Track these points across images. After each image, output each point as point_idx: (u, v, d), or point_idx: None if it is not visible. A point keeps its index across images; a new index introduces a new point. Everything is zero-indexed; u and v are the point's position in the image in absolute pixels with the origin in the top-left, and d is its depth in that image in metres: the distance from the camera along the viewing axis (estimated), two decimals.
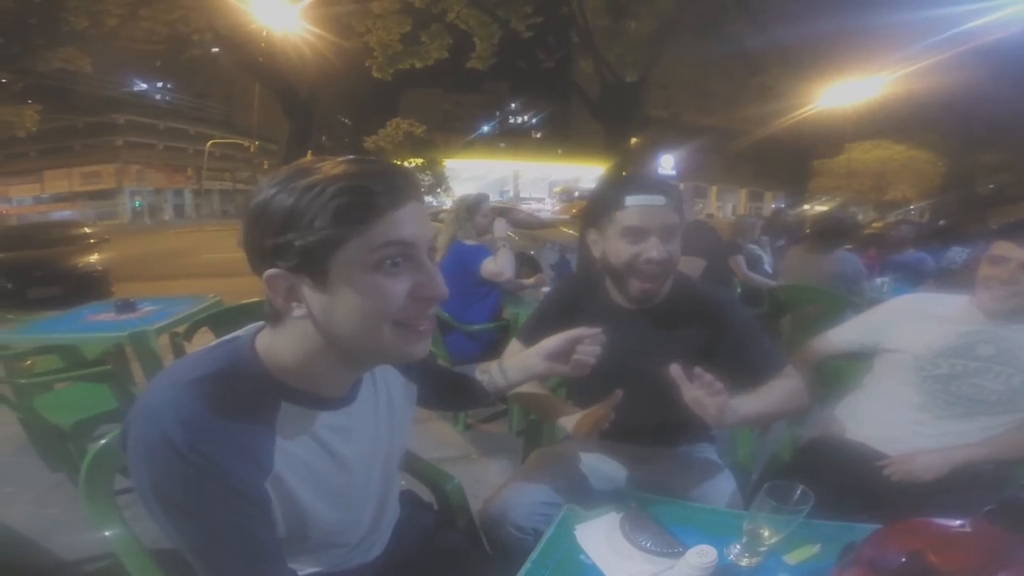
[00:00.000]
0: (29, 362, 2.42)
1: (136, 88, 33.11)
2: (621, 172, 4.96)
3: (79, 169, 35.32)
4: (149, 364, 2.28)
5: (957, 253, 3.49)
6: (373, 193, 0.58)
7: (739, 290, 3.10)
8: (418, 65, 8.00)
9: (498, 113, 19.21)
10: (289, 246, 0.58)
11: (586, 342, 0.92)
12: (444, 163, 26.77)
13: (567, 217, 16.28)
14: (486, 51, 7.73)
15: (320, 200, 0.56)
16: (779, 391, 1.07)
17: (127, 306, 2.59)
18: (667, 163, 21.77)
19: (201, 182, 37.45)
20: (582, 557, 0.76)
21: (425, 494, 1.10)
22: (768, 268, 3.67)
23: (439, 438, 2.51)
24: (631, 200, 1.05)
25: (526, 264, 3.98)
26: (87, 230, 9.45)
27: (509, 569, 0.74)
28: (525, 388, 1.11)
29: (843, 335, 1.46)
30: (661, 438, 1.23)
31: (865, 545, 0.49)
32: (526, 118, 20.63)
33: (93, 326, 2.50)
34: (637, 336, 1.13)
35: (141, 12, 5.96)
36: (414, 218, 0.61)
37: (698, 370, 0.86)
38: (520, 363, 0.98)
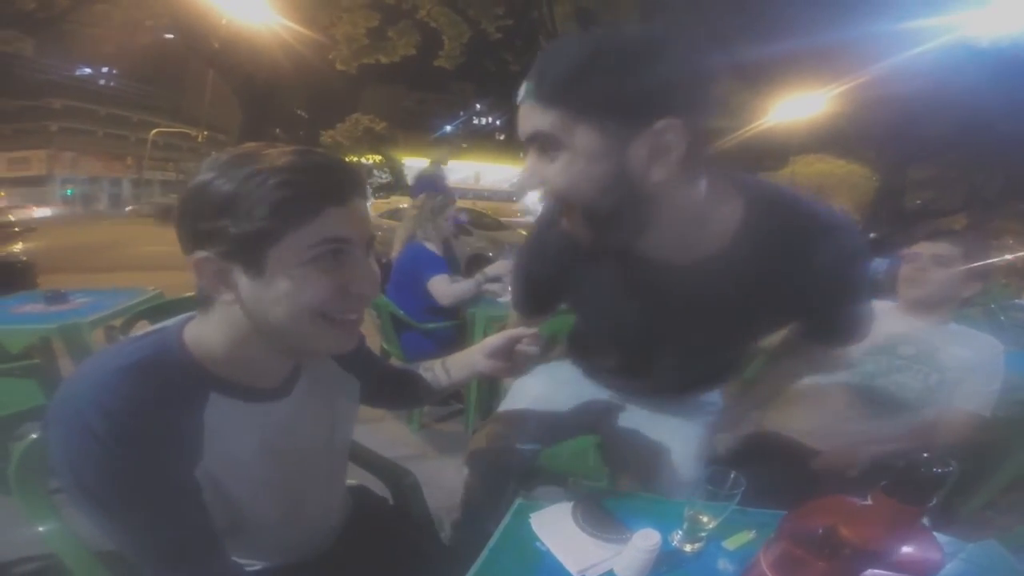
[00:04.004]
0: None
1: (79, 73, 31.06)
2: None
3: (6, 154, 32.77)
4: (80, 357, 2.14)
5: (881, 264, 3.75)
6: (316, 188, 0.58)
7: None
8: (384, 61, 7.91)
9: (462, 113, 19.12)
10: (224, 232, 0.57)
11: (524, 342, 0.91)
12: (404, 161, 26.43)
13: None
14: (455, 50, 7.73)
15: (261, 191, 0.56)
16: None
17: (58, 297, 2.43)
18: None
19: (142, 171, 35.45)
20: (537, 544, 0.79)
21: (380, 490, 1.10)
22: None
23: (394, 437, 2.50)
24: None
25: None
26: (11, 218, 8.84)
27: (466, 560, 0.76)
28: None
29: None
30: (671, 389, 1.11)
31: (786, 521, 0.55)
32: (491, 120, 20.63)
33: (19, 318, 2.33)
34: (664, 289, 0.84)
35: None
36: (355, 215, 0.61)
37: None
38: (463, 360, 0.98)
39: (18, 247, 7.75)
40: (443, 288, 2.37)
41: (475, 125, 20.44)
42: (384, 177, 24.20)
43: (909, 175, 15.29)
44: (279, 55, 8.13)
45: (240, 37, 7.29)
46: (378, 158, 24.27)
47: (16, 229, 8.62)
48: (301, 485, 0.76)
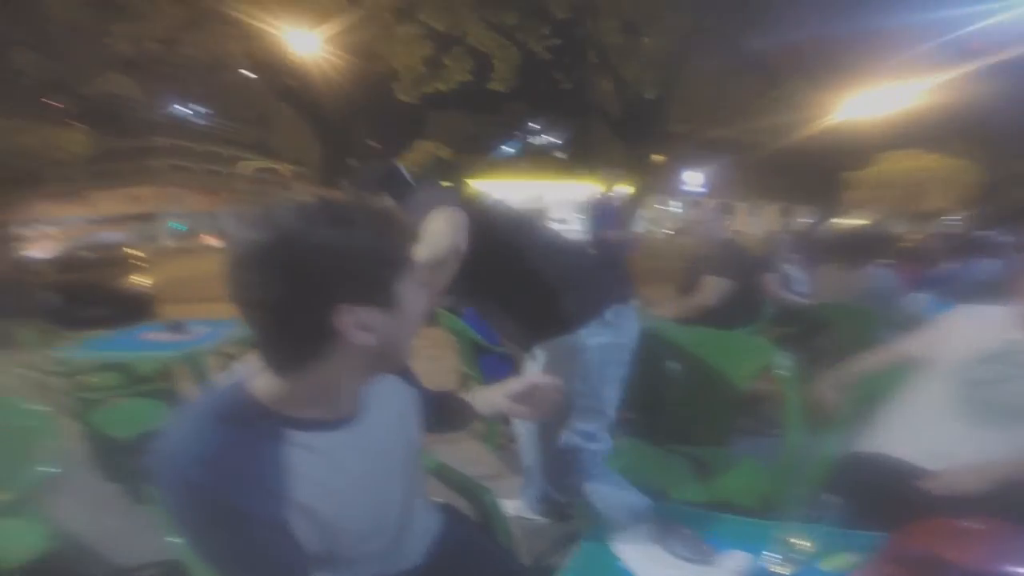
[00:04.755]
0: (88, 378, 2.56)
1: (175, 111, 34.60)
2: (647, 190, 5.09)
3: (124, 191, 36.92)
4: (199, 382, 2.43)
5: (990, 265, 3.38)
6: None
7: (771, 310, 3.02)
8: (442, 88, 8.19)
9: (519, 134, 19.40)
10: (358, 280, 0.62)
11: (546, 388, 0.93)
12: (469, 184, 27.04)
13: None
14: (506, 73, 7.90)
15: (378, 228, 0.63)
16: None
17: (179, 327, 2.72)
18: (694, 180, 21.36)
19: (236, 205, 38.78)
20: (618, 563, 0.79)
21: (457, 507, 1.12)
22: (801, 287, 3.57)
23: (471, 456, 2.50)
24: None
25: None
26: (134, 252, 9.80)
27: None
28: None
29: (891, 354, 1.46)
30: None
31: (890, 543, 0.52)
32: (549, 138, 20.78)
33: (147, 345, 2.65)
34: None
35: (182, 38, 6.31)
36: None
37: None
38: (487, 398, 0.99)
39: (140, 279, 8.53)
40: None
41: (533, 145, 20.63)
42: None
43: (1015, 168, 13.73)
44: (348, 89, 8.57)
45: (311, 74, 7.81)
46: (448, 183, 24.95)
47: (138, 263, 9.45)
48: (385, 502, 0.79)
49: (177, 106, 34.97)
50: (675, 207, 27.58)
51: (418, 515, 0.90)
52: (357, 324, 0.63)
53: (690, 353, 1.84)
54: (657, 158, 9.99)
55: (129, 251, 9.96)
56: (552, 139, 20.43)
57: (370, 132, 10.54)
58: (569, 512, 1.90)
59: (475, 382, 2.52)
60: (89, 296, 7.59)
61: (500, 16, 7.20)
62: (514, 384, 0.95)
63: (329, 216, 0.62)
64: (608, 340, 1.48)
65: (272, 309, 0.62)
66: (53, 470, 1.48)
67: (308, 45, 7.04)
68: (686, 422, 1.76)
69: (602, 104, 9.95)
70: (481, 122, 14.52)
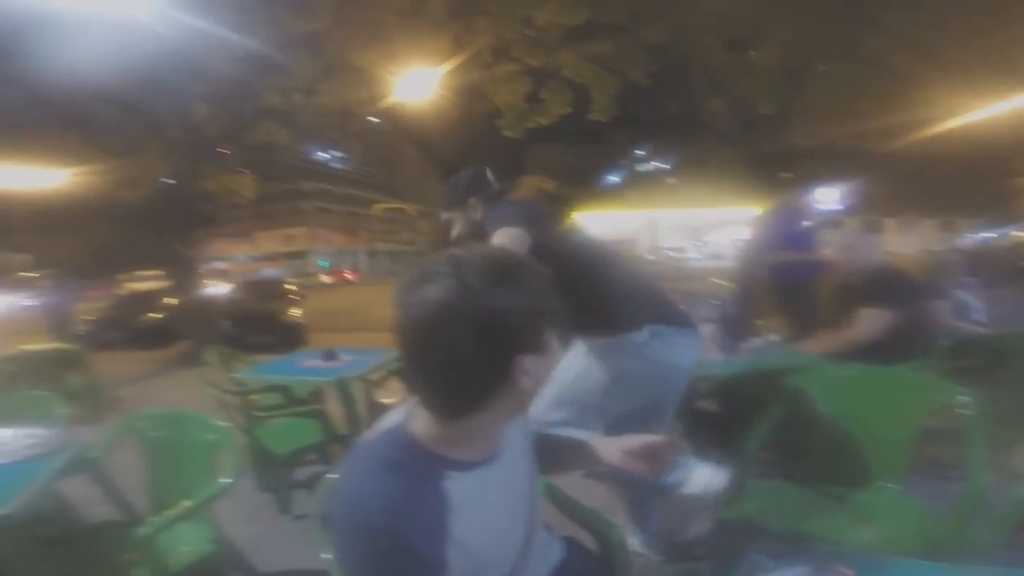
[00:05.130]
0: (256, 398, 2.96)
1: (318, 158, 39.46)
2: (781, 211, 4.42)
3: (280, 231, 42.95)
4: (347, 405, 2.77)
5: None
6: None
7: (944, 342, 2.62)
8: (544, 122, 8.39)
9: (624, 162, 19.23)
10: (531, 332, 0.70)
11: (665, 449, 0.93)
12: (575, 217, 27.08)
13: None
14: (605, 102, 7.91)
15: (537, 283, 0.72)
16: None
17: (331, 355, 3.08)
18: (828, 197, 19.25)
19: (372, 243, 43.08)
20: None
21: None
22: (979, 315, 3.15)
23: (592, 490, 2.45)
24: None
25: None
26: (292, 287, 11.38)
27: None
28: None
29: None
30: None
31: None
32: (657, 164, 20.31)
33: (305, 371, 3.02)
34: None
35: (318, 88, 7.29)
36: None
37: None
38: (603, 449, 1.01)
39: (297, 311, 9.81)
40: None
41: (640, 172, 20.28)
42: None
43: None
44: (460, 128, 9.00)
45: (427, 116, 8.46)
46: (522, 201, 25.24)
47: (295, 296, 10.80)
48: (515, 532, 0.85)
49: (319, 152, 39.88)
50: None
51: (539, 546, 0.94)
52: (525, 371, 0.70)
53: (848, 392, 1.77)
54: (785, 175, 9.30)
55: (287, 285, 11.58)
56: (661, 165, 19.94)
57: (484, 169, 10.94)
58: (689, 552, 1.90)
59: None
60: (256, 325, 8.88)
61: (592, 48, 7.32)
62: (631, 441, 0.96)
63: (506, 275, 0.69)
64: (625, 364, 1.66)
65: (453, 364, 0.68)
66: (230, 481, 1.66)
67: (423, 88, 7.58)
68: (843, 463, 1.69)
69: (714, 124, 9.57)
70: (584, 153, 14.69)
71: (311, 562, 0.96)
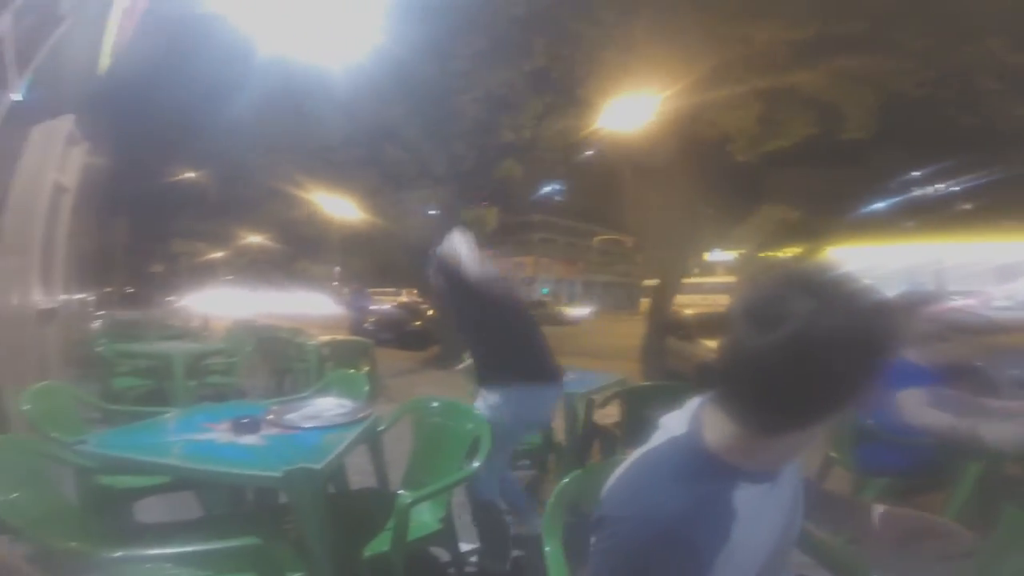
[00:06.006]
0: None
1: (544, 190, 42.30)
2: None
3: (513, 259, 47.31)
4: (569, 419, 2.99)
5: None
6: None
7: None
8: (784, 144, 7.65)
9: (891, 186, 15.73)
10: (881, 360, 0.67)
11: (946, 540, 0.86)
12: (827, 251, 23.30)
13: None
14: (863, 118, 6.86)
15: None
16: None
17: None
18: None
19: (590, 274, 44.44)
20: None
21: None
22: None
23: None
24: None
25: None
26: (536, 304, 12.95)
27: None
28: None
29: None
30: None
31: None
32: (943, 187, 16.14)
33: None
34: None
35: (544, 123, 7.92)
36: None
37: None
38: (861, 513, 0.94)
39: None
40: (915, 407, 1.92)
41: (918, 196, 16.39)
42: None
43: None
44: (684, 155, 8.51)
45: (649, 144, 8.23)
46: (797, 250, 22.39)
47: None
48: (769, 555, 0.81)
49: (545, 186, 42.80)
50: None
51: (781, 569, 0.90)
52: (864, 396, 0.69)
53: None
54: None
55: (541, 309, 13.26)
56: (944, 187, 15.75)
57: (710, 197, 10.39)
58: None
59: (841, 468, 2.29)
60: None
61: (836, 61, 6.44)
62: (905, 517, 0.90)
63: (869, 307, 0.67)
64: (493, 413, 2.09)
65: (810, 382, 0.66)
66: (478, 465, 1.81)
67: (642, 116, 7.42)
68: None
69: (1020, 137, 7.40)
70: (837, 177, 12.65)
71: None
